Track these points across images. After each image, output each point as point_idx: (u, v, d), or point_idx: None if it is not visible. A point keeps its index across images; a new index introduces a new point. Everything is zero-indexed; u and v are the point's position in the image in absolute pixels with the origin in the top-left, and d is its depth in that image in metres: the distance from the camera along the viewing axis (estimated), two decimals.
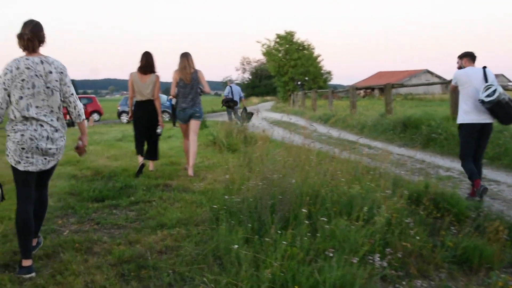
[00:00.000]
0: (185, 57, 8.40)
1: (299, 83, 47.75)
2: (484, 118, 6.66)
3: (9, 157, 4.00)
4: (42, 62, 4.03)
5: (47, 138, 4.02)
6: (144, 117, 8.25)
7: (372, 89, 60.09)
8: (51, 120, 4.06)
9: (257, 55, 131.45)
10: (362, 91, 59.27)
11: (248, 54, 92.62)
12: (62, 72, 4.12)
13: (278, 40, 47.91)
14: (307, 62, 46.81)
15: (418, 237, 4.16)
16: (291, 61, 46.58)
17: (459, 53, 7.14)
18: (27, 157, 3.96)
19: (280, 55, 47.50)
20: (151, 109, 8.24)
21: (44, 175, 4.24)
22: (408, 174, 6.98)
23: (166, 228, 5.01)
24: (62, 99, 4.15)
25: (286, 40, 47.42)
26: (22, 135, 3.93)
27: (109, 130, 20.07)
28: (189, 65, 8.36)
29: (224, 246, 3.97)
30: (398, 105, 29.81)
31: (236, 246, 3.71)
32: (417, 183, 5.65)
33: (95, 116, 31.78)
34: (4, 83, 3.93)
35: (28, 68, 3.95)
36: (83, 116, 4.38)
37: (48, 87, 4.02)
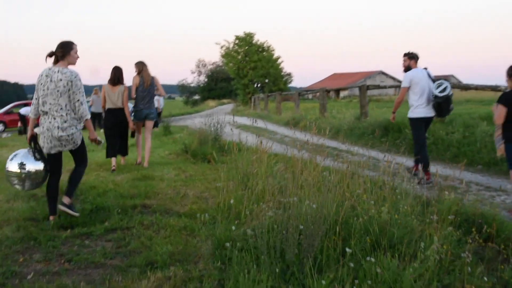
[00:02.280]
0: (144, 65, 9.62)
1: (258, 85, 46.78)
2: (429, 112, 7.91)
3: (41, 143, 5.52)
4: (58, 71, 5.38)
5: (58, 127, 5.36)
6: (116, 122, 9.39)
7: (328, 91, 59.91)
8: (61, 115, 5.37)
9: (212, 58, 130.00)
10: (318, 93, 58.90)
11: (204, 56, 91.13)
12: (71, 81, 5.36)
13: (237, 41, 46.70)
14: (267, 64, 45.73)
15: (485, 278, 3.34)
16: (251, 63, 45.41)
17: (406, 52, 8.10)
18: (48, 143, 5.45)
19: (239, 57, 46.32)
20: (121, 114, 9.38)
21: (73, 154, 5.74)
22: (416, 187, 6.21)
23: (157, 267, 4.05)
24: (72, 101, 5.41)
25: (246, 41, 46.21)
26: (43, 127, 5.45)
27: None
28: (148, 72, 9.62)
29: None
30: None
31: None
32: (448, 202, 4.82)
33: None
34: (37, 85, 5.46)
35: (47, 76, 5.40)
36: (86, 116, 5.56)
37: (58, 90, 5.34)
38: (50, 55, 5.46)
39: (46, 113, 5.41)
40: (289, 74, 54.98)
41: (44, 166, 5.56)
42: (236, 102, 55.32)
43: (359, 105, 15.86)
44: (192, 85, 77.22)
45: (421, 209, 4.54)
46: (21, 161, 5.49)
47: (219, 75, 72.75)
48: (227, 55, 46.65)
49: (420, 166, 7.51)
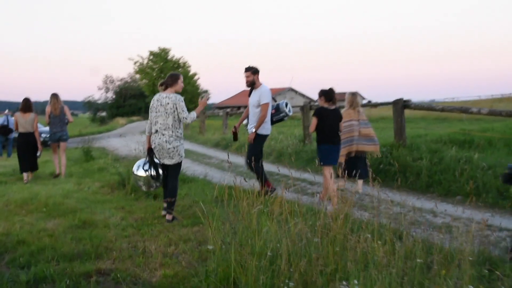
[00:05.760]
0: (55, 97, 11.59)
1: None
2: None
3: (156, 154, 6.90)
4: (166, 97, 6.75)
5: (166, 141, 6.70)
6: (27, 144, 11.29)
7: (238, 107, 59.19)
8: (168, 132, 6.71)
9: (121, 74, 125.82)
10: (229, 109, 58.09)
11: (112, 72, 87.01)
12: (175, 104, 6.69)
13: (151, 57, 44.55)
14: (183, 81, 43.85)
15: None
16: None
17: (248, 67, 8.15)
18: (159, 155, 6.85)
19: (154, 73, 44.08)
20: (31, 137, 11.33)
21: (169, 169, 6.95)
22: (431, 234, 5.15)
23: None
24: (179, 119, 6.76)
25: (161, 57, 44.19)
26: (154, 142, 6.82)
27: None
28: (58, 102, 11.58)
29: None
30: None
31: None
32: None
33: None
34: (150, 108, 6.88)
35: (157, 100, 6.81)
36: (194, 118, 6.88)
37: (166, 112, 6.68)
38: (161, 84, 6.93)
39: (156, 131, 6.75)
40: (206, 91, 53.53)
41: (158, 172, 7.02)
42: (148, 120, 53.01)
43: (301, 126, 14.81)
44: (99, 101, 73.81)
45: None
46: (145, 168, 7.03)
47: (128, 92, 70.12)
48: (141, 71, 44.35)
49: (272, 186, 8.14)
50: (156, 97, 6.87)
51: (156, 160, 7.03)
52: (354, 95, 9.17)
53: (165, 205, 6.96)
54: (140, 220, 6.83)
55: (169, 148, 6.69)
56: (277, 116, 8.36)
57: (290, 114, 8.51)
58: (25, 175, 11.04)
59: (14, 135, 20.45)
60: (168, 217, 6.73)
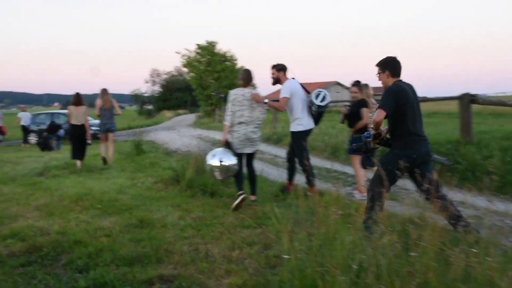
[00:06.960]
0: (106, 91, 12.72)
1: (221, 95, 44.12)
2: (312, 123, 7.89)
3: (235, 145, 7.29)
4: (249, 92, 7.28)
5: (251, 132, 7.29)
6: (79, 135, 12.30)
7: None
8: (253, 124, 7.32)
9: (167, 67, 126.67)
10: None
11: (158, 66, 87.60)
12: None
13: (199, 50, 44.22)
14: (231, 74, 43.39)
15: None
16: (214, 74, 43.05)
17: (273, 64, 7.97)
18: (242, 145, 7.30)
19: (202, 67, 43.78)
20: (81, 129, 12.32)
21: (249, 157, 7.58)
22: None
23: None
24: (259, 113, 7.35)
25: (208, 50, 43.79)
26: (238, 132, 7.26)
27: (21, 157, 16.16)
28: (108, 96, 12.71)
29: None
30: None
31: None
32: None
33: None
34: (232, 101, 7.22)
35: (242, 95, 7.25)
36: (264, 119, 7.48)
37: (252, 106, 7.29)
38: (240, 79, 7.52)
39: (242, 122, 7.24)
40: (253, 85, 53.13)
41: (235, 162, 7.13)
42: (195, 113, 53.17)
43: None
44: (145, 95, 74.62)
45: None
46: (220, 157, 7.11)
47: (174, 85, 70.49)
48: (189, 64, 44.05)
49: (293, 183, 8.18)
50: (239, 91, 7.29)
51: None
52: (364, 87, 8.87)
53: (253, 198, 7.57)
54: (198, 219, 6.48)
55: (254, 138, 7.34)
56: (314, 111, 7.85)
57: (324, 104, 7.75)
58: (78, 163, 12.02)
59: (62, 131, 21.94)
60: (253, 197, 7.54)
